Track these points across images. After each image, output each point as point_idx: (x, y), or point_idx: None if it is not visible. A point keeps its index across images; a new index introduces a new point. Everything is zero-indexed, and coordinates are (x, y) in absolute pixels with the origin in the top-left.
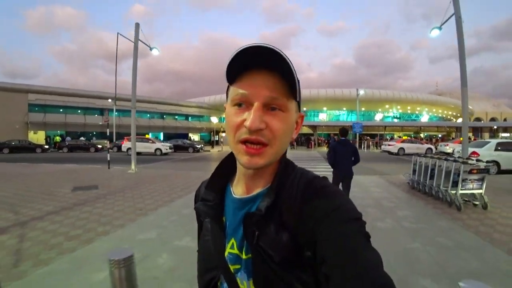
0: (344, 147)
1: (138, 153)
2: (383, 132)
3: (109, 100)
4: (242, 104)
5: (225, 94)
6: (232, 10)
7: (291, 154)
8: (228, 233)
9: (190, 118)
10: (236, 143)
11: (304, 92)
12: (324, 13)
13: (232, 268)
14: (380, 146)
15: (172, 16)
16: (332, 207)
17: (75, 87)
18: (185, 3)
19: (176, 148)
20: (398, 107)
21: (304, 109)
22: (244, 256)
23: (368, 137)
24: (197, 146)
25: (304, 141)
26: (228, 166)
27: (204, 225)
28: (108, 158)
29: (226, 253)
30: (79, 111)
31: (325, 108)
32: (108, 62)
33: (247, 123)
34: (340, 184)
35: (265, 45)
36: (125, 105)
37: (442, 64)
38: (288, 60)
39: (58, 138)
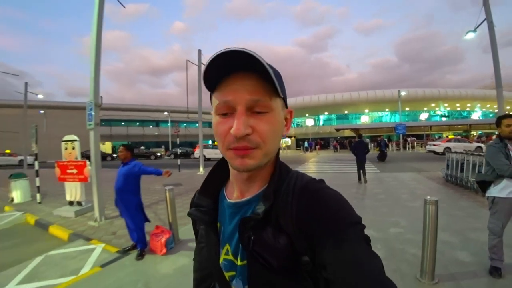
0: (359, 145)
1: (208, 159)
2: (428, 132)
3: (165, 113)
4: (227, 112)
5: (212, 102)
6: (266, 18)
7: (334, 157)
8: (223, 238)
9: None
10: (226, 150)
11: (344, 95)
12: (359, 11)
13: (227, 275)
14: (425, 146)
15: (209, 29)
16: (330, 211)
17: (129, 102)
18: (221, 17)
19: None
20: (446, 104)
21: (346, 112)
22: (239, 263)
23: (413, 138)
24: None
25: (347, 144)
26: (221, 171)
27: (200, 232)
28: (179, 163)
29: (221, 260)
30: (137, 123)
31: (366, 110)
32: (151, 76)
33: (232, 131)
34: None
35: (236, 49)
36: (178, 117)
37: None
38: (261, 60)
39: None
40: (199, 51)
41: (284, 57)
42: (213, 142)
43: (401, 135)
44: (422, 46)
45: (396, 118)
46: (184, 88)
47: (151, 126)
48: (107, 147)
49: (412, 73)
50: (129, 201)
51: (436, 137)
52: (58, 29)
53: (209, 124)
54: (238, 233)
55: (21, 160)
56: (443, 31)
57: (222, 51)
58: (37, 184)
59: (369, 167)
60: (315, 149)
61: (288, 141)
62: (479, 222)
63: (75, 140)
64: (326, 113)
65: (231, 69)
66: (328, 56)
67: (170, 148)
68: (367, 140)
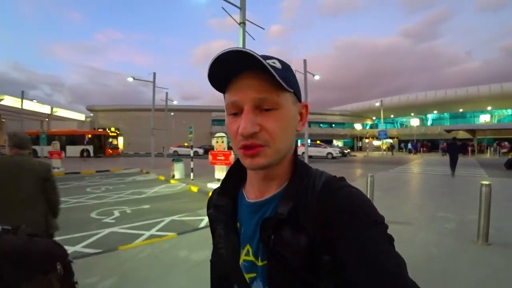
0: (452, 146)
1: (310, 157)
2: None
3: None
4: (236, 112)
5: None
6: (363, 10)
7: (439, 160)
8: (243, 239)
9: (333, 125)
10: (238, 149)
11: (458, 91)
12: None
13: (247, 277)
14: None
15: (304, 28)
16: (352, 209)
17: None
18: (316, 15)
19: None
20: None
21: (460, 110)
22: (259, 263)
23: None
24: (345, 152)
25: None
26: (239, 171)
27: (217, 233)
28: None
29: (241, 261)
30: None
31: (489, 108)
32: None
33: (240, 129)
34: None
35: (233, 49)
36: None
37: None
38: (258, 57)
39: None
40: (305, 61)
41: (386, 50)
42: (311, 141)
43: None
44: None
45: None
46: None
47: None
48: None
49: None
50: None
51: None
52: (175, 44)
53: (308, 123)
54: (259, 233)
55: (195, 152)
56: None
57: (220, 53)
58: (191, 166)
59: (477, 171)
60: (420, 151)
61: (390, 141)
62: None
63: (224, 136)
64: (435, 111)
65: (237, 69)
66: (440, 44)
67: None
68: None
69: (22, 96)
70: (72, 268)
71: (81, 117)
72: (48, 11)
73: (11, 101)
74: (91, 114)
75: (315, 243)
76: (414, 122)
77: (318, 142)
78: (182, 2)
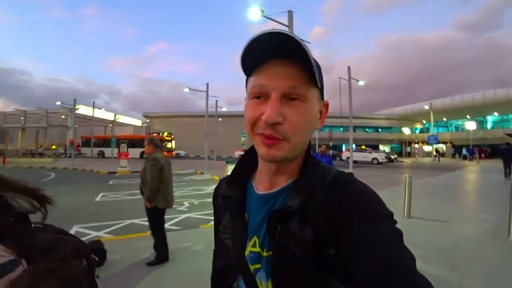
0: (507, 151)
1: (354, 162)
2: None
3: None
4: (261, 96)
5: (247, 87)
6: (411, 3)
7: (496, 167)
8: (251, 230)
9: (380, 129)
10: (254, 136)
11: None
12: None
13: (252, 268)
14: None
15: (346, 29)
16: (360, 204)
17: None
18: (357, 13)
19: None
20: None
21: None
22: (264, 254)
23: None
24: (392, 157)
25: None
26: (248, 162)
27: (224, 223)
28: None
29: (246, 252)
30: None
31: None
32: None
33: (264, 116)
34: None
35: (277, 31)
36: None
37: None
38: (302, 45)
39: None
40: (349, 68)
41: (437, 46)
42: (357, 145)
43: None
44: None
45: None
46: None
47: None
48: None
49: None
50: None
51: None
52: (217, 52)
53: (352, 128)
54: (267, 225)
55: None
56: None
57: (262, 33)
58: None
59: None
60: (477, 157)
61: (443, 147)
62: None
63: None
64: (495, 113)
65: (270, 54)
66: (502, 34)
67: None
68: None
69: (93, 105)
70: (94, 265)
71: (138, 122)
72: (107, 30)
73: (83, 110)
74: (147, 120)
75: (322, 236)
76: (470, 125)
77: (363, 147)
78: (225, 14)
